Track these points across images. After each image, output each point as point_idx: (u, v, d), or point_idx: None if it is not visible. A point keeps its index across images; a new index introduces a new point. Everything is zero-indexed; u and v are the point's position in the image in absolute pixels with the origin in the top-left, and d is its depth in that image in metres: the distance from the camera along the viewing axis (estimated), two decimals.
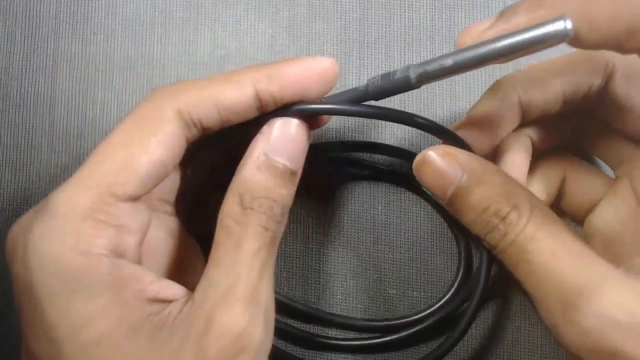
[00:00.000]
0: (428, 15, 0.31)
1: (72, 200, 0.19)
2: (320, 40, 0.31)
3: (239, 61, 0.31)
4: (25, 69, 0.32)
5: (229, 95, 0.21)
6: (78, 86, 0.31)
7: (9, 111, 0.31)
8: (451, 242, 0.30)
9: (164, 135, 0.20)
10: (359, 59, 0.31)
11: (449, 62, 0.20)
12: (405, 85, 0.22)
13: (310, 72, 0.21)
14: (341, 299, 0.30)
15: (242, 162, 0.22)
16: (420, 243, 0.30)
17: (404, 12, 0.31)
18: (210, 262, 0.21)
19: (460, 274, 0.29)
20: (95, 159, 0.20)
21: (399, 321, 0.29)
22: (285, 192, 0.22)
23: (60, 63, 0.32)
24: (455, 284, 0.29)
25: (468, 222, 0.23)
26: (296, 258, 0.30)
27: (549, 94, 0.24)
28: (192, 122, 0.21)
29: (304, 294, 0.30)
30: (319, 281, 0.30)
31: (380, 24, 0.31)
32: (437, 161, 0.23)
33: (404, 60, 0.31)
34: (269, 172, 0.21)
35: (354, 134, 0.30)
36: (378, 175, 0.30)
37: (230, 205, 0.21)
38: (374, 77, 0.22)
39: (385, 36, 0.31)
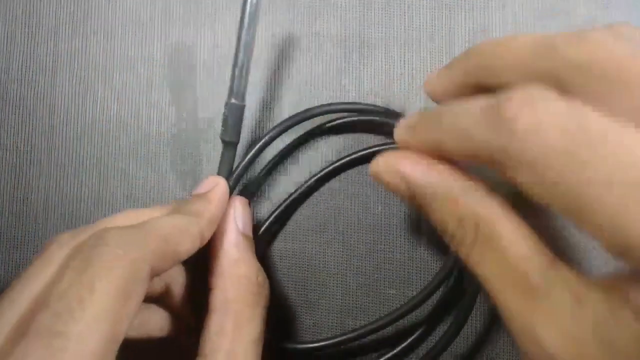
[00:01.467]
0: (428, 15, 0.31)
1: None
2: (320, 40, 0.31)
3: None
4: (25, 69, 0.32)
5: (186, 249, 0.21)
6: (78, 86, 0.31)
7: (8, 112, 0.31)
8: None
9: (139, 298, 0.19)
10: (359, 59, 0.31)
11: (239, 65, 0.26)
12: (241, 110, 0.26)
13: (224, 198, 0.25)
14: (341, 299, 0.30)
15: (224, 247, 0.24)
16: (420, 243, 0.30)
17: (404, 12, 0.31)
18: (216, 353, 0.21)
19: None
20: (79, 331, 0.17)
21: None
22: None
23: (60, 63, 0.32)
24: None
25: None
26: (296, 258, 0.30)
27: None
28: (154, 275, 0.20)
29: (304, 293, 0.30)
30: (319, 281, 0.30)
31: (380, 24, 0.31)
32: (384, 177, 0.21)
33: (404, 60, 0.31)
34: (252, 250, 0.24)
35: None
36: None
37: (238, 291, 0.22)
38: (221, 134, 0.26)
39: (385, 36, 0.31)
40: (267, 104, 0.31)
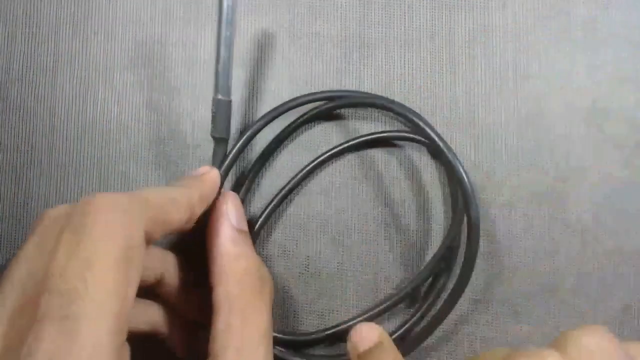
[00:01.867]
0: (428, 15, 0.31)
1: None
2: (320, 40, 0.31)
3: (240, 62, 0.31)
4: (26, 69, 0.32)
5: (177, 217, 0.22)
6: (78, 87, 0.31)
7: (9, 113, 0.31)
8: None
9: (140, 266, 0.19)
10: (359, 59, 0.31)
11: (221, 61, 0.25)
12: (228, 105, 0.26)
13: (216, 180, 0.25)
14: (340, 298, 0.30)
15: (221, 244, 0.23)
16: (421, 243, 0.30)
17: (404, 12, 0.31)
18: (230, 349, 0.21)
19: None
20: (88, 311, 0.16)
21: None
22: None
23: (61, 63, 0.32)
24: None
25: None
26: (295, 258, 0.30)
27: None
28: (148, 241, 0.20)
29: (304, 292, 0.30)
30: (320, 280, 0.30)
31: (380, 24, 0.31)
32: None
33: (404, 60, 0.31)
34: (249, 244, 0.24)
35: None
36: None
37: (240, 286, 0.22)
38: (211, 131, 0.27)
39: (385, 36, 0.31)
40: (268, 105, 0.31)
